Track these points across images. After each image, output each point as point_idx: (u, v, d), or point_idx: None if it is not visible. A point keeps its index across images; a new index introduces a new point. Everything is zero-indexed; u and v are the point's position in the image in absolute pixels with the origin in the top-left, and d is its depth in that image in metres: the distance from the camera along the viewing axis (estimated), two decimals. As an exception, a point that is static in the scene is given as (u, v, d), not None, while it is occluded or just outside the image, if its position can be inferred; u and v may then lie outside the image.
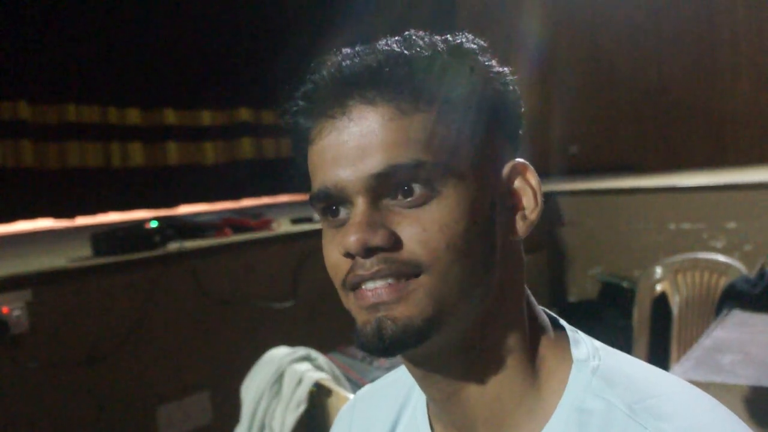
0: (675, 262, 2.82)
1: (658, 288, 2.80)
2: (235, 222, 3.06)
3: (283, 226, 3.17)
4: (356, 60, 0.60)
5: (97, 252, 2.48)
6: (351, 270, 0.60)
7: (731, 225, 3.75)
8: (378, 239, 0.58)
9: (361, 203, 0.59)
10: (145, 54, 3.93)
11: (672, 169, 5.42)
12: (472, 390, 0.64)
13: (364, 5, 3.91)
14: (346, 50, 0.63)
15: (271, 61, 4.05)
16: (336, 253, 0.61)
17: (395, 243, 0.59)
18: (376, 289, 0.59)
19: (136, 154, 3.89)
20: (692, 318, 2.68)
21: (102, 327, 2.34)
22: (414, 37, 0.63)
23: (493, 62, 0.65)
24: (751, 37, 5.65)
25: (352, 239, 0.58)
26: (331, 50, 0.64)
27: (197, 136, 4.20)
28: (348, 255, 0.60)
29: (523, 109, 0.67)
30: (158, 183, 3.99)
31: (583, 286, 4.35)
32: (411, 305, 0.59)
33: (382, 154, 0.58)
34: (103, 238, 2.49)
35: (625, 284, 3.99)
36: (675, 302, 2.73)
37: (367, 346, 0.60)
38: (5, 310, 2.08)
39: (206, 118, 4.25)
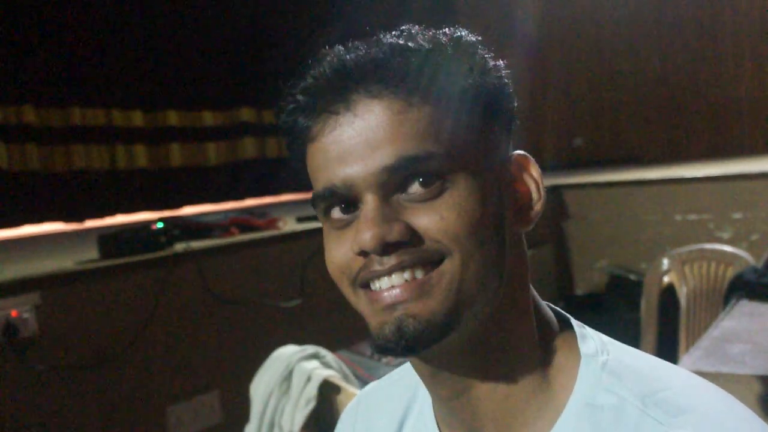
0: (682, 254, 2.81)
1: (666, 279, 2.80)
2: (242, 221, 3.06)
3: (289, 225, 3.17)
4: (359, 53, 0.59)
5: (104, 254, 2.49)
6: (364, 267, 0.58)
7: (737, 215, 3.73)
8: (395, 233, 0.56)
9: (371, 200, 0.57)
10: (147, 56, 3.94)
11: (677, 160, 5.40)
12: (483, 387, 0.63)
13: (364, 1, 3.90)
14: (340, 47, 0.61)
15: (272, 60, 4.06)
16: (345, 253, 0.59)
17: (413, 235, 0.57)
18: (392, 289, 0.57)
19: (140, 156, 3.90)
20: (700, 309, 2.67)
21: (110, 328, 2.35)
22: (413, 31, 0.62)
23: (490, 56, 0.65)
24: (753, 25, 5.62)
25: (368, 236, 0.56)
26: (325, 47, 0.62)
27: (200, 136, 4.21)
28: (362, 253, 0.58)
29: (516, 104, 0.66)
30: (162, 184, 4.00)
31: (590, 278, 4.34)
32: (432, 300, 0.57)
33: (392, 147, 0.56)
34: (109, 240, 2.49)
35: (632, 276, 3.98)
36: (682, 293, 2.73)
37: (386, 348, 0.58)
38: (14, 313, 2.09)
39: (208, 118, 4.26)
